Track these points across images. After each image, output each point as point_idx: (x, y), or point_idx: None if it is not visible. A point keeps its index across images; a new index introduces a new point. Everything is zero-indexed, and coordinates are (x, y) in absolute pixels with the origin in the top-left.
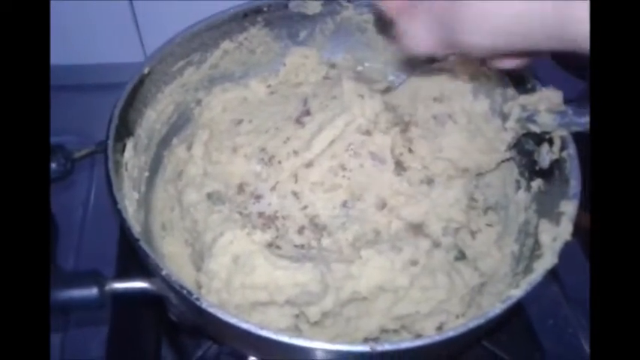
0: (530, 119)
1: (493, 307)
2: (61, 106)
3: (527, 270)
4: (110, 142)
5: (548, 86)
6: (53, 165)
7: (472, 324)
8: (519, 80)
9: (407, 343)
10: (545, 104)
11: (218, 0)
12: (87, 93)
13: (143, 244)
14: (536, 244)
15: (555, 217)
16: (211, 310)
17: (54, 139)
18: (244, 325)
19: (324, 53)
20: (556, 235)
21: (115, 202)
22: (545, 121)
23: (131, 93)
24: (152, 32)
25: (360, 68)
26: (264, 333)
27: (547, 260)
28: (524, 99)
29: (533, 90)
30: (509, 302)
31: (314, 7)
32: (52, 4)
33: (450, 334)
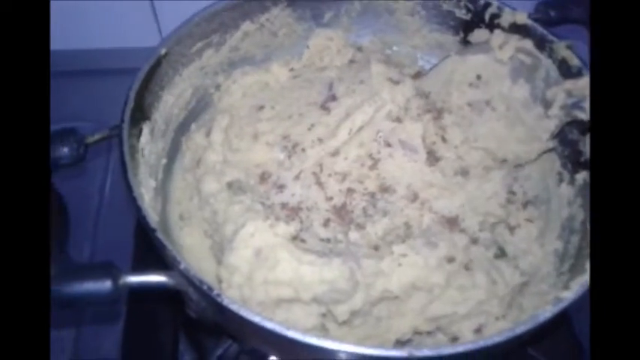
0: (576, 106)
1: (540, 309)
2: (77, 92)
3: (575, 269)
4: (125, 126)
5: None
6: (65, 150)
7: (520, 329)
8: (563, 64)
9: (447, 349)
10: None
11: None
12: (103, 78)
13: (160, 234)
14: (585, 242)
15: None
16: (233, 307)
17: (67, 125)
18: (269, 325)
19: (350, 36)
20: None
21: (130, 189)
22: None
23: (147, 75)
24: (170, 16)
25: (388, 52)
26: (291, 334)
27: None
28: (570, 84)
29: (579, 74)
30: (562, 305)
31: None
32: None
33: (496, 339)
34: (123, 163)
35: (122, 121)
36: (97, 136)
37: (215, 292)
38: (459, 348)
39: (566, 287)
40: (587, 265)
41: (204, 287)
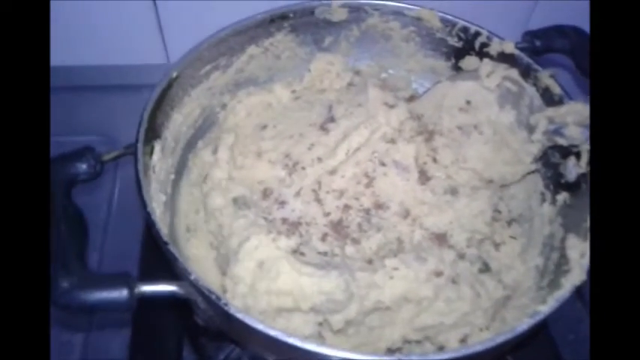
0: (557, 132)
1: (520, 321)
2: (86, 107)
3: (553, 285)
4: (140, 145)
5: (577, 99)
6: (83, 166)
7: (500, 339)
8: (547, 92)
9: (433, 356)
10: (573, 117)
11: (240, 0)
12: (110, 94)
13: (172, 247)
14: (563, 259)
15: (583, 232)
16: (239, 315)
17: (80, 140)
18: (272, 332)
19: (349, 60)
20: (584, 250)
21: (144, 204)
22: (573, 134)
23: (160, 96)
24: (175, 34)
25: (384, 75)
26: (292, 340)
27: (575, 276)
28: (551, 111)
29: (560, 102)
30: (538, 318)
31: (340, 14)
32: (76, 5)
33: (477, 348)
34: (138, 181)
35: (137, 140)
36: (112, 154)
37: (223, 301)
38: (444, 356)
39: (543, 301)
40: (564, 281)
41: (213, 297)
